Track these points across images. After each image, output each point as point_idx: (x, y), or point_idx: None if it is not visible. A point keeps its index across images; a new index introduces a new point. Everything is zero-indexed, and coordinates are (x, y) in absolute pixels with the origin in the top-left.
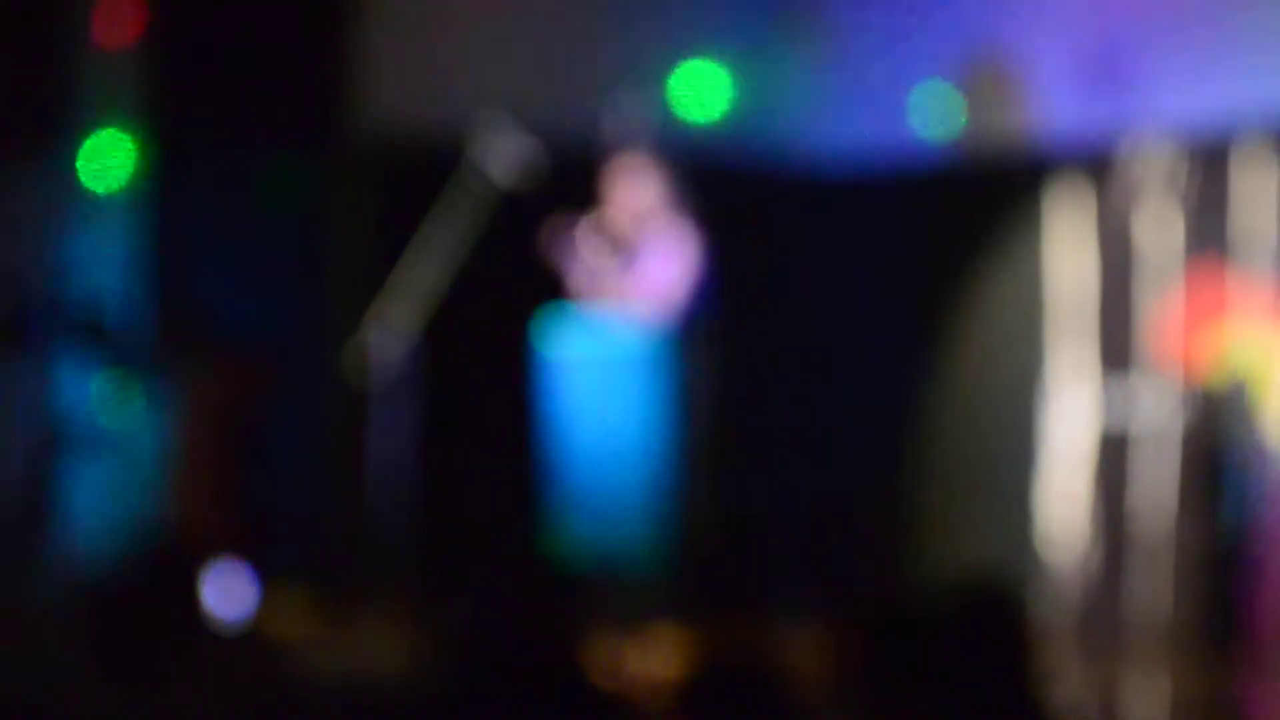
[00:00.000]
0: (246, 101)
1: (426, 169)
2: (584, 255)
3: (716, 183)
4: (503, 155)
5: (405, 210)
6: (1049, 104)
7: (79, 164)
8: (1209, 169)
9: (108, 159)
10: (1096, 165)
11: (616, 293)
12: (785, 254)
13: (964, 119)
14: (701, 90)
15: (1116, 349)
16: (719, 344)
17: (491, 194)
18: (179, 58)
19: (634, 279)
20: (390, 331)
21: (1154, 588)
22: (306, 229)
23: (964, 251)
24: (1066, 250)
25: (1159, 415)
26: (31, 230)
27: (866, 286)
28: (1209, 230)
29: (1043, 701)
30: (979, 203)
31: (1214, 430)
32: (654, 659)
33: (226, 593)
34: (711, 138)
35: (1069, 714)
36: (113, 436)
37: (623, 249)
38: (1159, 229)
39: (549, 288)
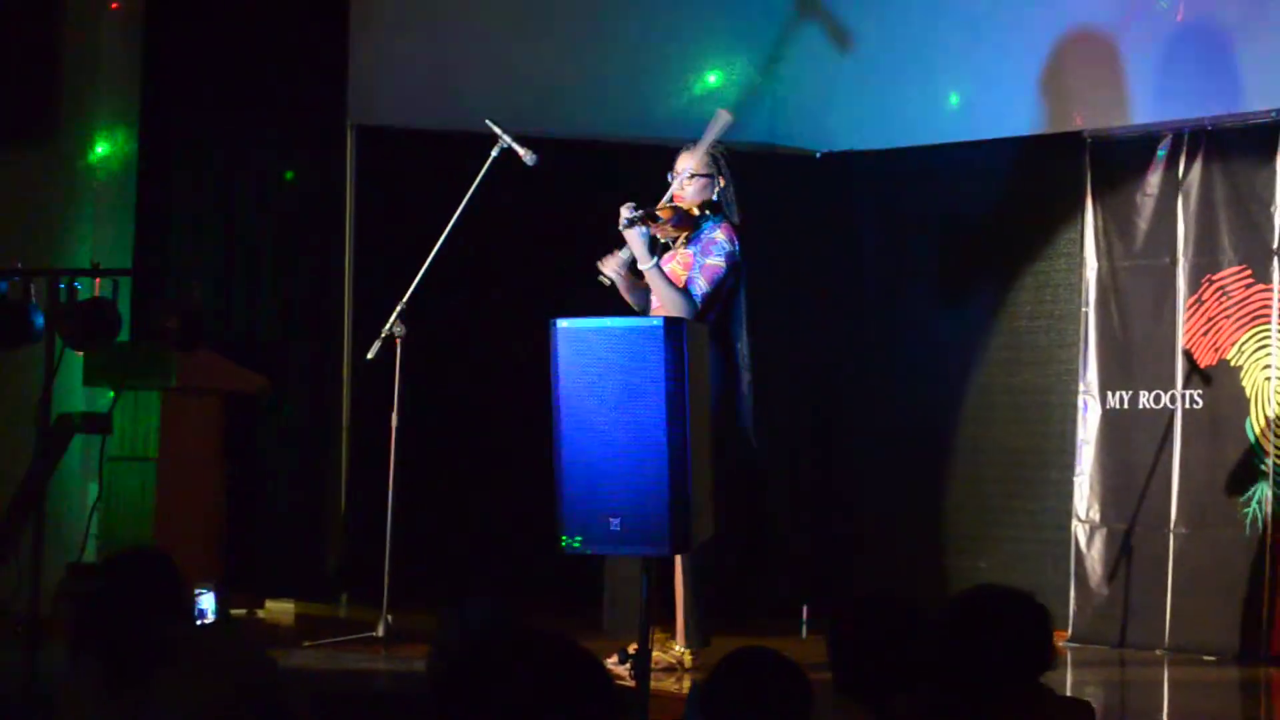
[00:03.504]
0: (249, 98)
1: (432, 163)
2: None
3: (750, 164)
4: (510, 148)
5: (410, 206)
6: (1088, 91)
7: (80, 157)
8: (1257, 156)
9: (108, 153)
10: (1137, 151)
11: (650, 283)
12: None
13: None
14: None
15: (1150, 337)
16: (751, 333)
17: (494, 187)
18: (183, 53)
19: (671, 268)
20: (396, 328)
21: (1177, 575)
22: (311, 229)
23: (1004, 233)
24: (1106, 235)
25: (1188, 403)
26: (33, 221)
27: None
28: (1250, 216)
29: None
30: (1019, 187)
31: (1241, 419)
32: (666, 651)
33: (219, 593)
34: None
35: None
36: (112, 431)
37: (677, 224)
38: (1198, 214)
39: (557, 283)
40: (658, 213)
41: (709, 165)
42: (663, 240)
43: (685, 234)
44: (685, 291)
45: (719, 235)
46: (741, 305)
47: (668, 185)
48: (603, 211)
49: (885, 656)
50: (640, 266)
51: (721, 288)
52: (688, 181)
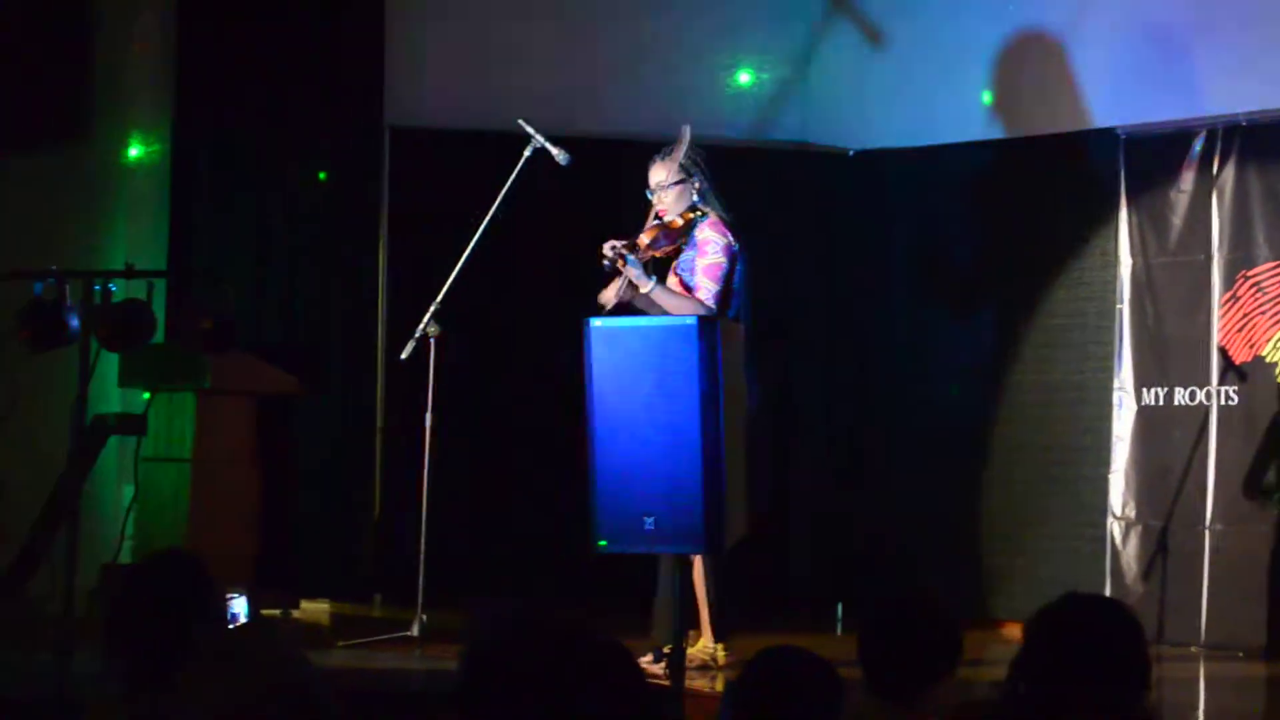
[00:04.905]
0: (284, 99)
1: (466, 163)
2: (630, 247)
3: (783, 161)
4: (543, 148)
5: (444, 207)
6: (1122, 89)
7: (114, 158)
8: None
9: (142, 154)
10: (1172, 148)
11: (658, 285)
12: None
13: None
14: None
15: (1185, 334)
16: (767, 331)
17: (527, 186)
18: (217, 54)
19: (680, 268)
20: (430, 328)
21: (1212, 572)
22: (345, 229)
23: (1038, 230)
24: (1140, 231)
25: (1223, 399)
26: (68, 223)
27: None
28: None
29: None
30: (1053, 184)
31: (1276, 415)
32: (697, 648)
33: (251, 595)
34: (756, 121)
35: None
36: (146, 432)
37: (666, 239)
38: (1233, 209)
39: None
40: (638, 241)
41: (679, 171)
42: (665, 258)
43: (680, 244)
44: (693, 299)
45: (708, 233)
46: (744, 295)
47: (649, 203)
48: (636, 210)
49: (912, 653)
50: (643, 292)
51: (729, 281)
52: (664, 193)
